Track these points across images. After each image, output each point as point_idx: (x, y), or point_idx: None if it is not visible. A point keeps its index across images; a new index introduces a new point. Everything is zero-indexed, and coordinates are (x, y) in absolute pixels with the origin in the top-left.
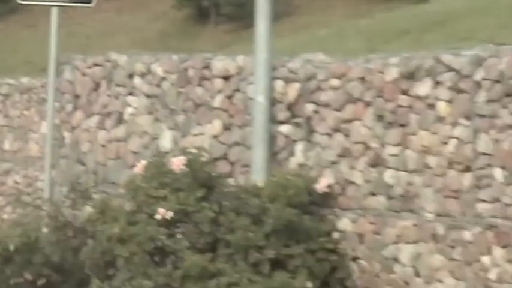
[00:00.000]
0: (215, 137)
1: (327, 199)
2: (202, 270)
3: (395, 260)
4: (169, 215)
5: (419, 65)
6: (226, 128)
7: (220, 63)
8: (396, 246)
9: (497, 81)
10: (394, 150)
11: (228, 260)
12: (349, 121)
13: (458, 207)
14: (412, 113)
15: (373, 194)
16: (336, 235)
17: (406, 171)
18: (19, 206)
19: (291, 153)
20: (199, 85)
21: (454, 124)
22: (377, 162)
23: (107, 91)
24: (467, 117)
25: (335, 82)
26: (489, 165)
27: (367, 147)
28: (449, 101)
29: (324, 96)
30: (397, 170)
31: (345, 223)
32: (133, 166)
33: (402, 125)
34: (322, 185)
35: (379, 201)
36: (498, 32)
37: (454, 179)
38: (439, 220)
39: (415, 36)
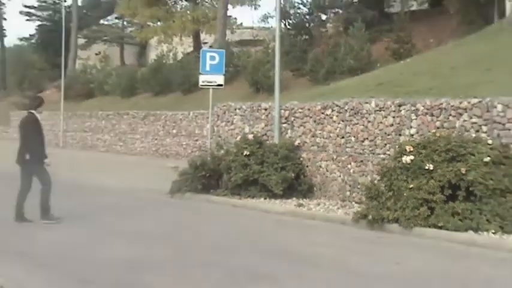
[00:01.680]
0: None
1: (298, 147)
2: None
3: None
4: (247, 153)
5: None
6: (266, 125)
7: (265, 105)
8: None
9: (352, 109)
10: None
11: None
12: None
13: None
14: None
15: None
16: (301, 159)
17: None
18: (201, 151)
19: (287, 133)
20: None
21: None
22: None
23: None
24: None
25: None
26: None
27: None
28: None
29: (297, 115)
30: None
31: (304, 155)
32: (235, 138)
33: None
34: (296, 143)
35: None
36: (365, 94)
37: None
38: None
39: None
